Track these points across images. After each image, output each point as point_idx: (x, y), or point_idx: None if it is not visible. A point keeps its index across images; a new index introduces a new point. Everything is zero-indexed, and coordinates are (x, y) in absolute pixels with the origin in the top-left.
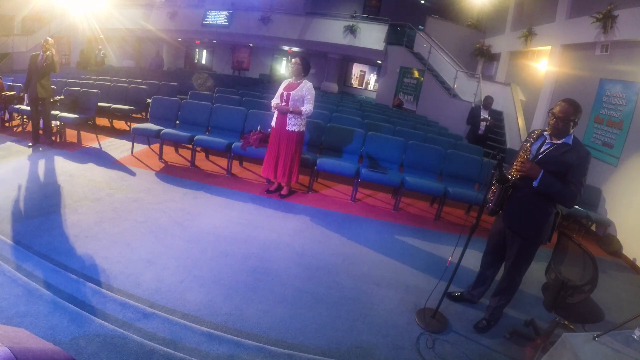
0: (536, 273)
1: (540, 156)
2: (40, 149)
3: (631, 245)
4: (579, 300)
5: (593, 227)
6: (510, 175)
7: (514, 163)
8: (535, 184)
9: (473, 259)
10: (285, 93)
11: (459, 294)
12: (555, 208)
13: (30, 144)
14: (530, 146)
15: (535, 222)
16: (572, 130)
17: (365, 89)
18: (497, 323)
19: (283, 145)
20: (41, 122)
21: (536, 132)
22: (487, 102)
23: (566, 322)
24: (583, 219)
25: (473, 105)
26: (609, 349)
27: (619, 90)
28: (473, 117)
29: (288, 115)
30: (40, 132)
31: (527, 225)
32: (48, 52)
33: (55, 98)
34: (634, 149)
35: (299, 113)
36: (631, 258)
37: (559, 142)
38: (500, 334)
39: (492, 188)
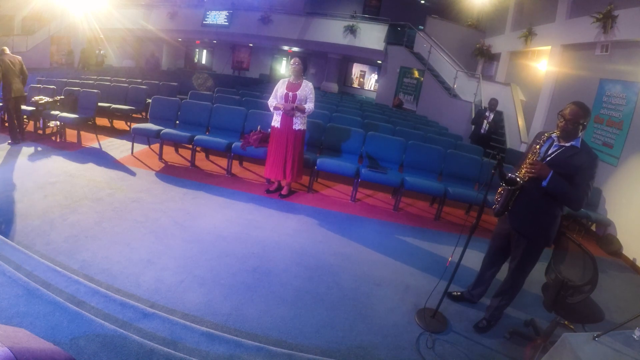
0: (536, 273)
1: (548, 158)
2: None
3: (631, 245)
4: (579, 300)
5: (593, 227)
6: (519, 177)
7: (522, 165)
8: (544, 183)
9: (473, 259)
10: (290, 94)
11: (459, 293)
12: (562, 210)
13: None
14: (540, 148)
15: (541, 224)
16: (580, 134)
17: (366, 89)
18: (498, 323)
19: (291, 145)
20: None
21: (545, 134)
22: (492, 103)
23: (566, 322)
24: (583, 219)
25: (474, 105)
26: (609, 349)
27: (619, 90)
28: (478, 117)
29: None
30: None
31: (533, 227)
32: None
33: (56, 98)
34: (634, 149)
35: (302, 111)
36: (631, 258)
37: (568, 144)
38: (501, 334)
39: (499, 189)
